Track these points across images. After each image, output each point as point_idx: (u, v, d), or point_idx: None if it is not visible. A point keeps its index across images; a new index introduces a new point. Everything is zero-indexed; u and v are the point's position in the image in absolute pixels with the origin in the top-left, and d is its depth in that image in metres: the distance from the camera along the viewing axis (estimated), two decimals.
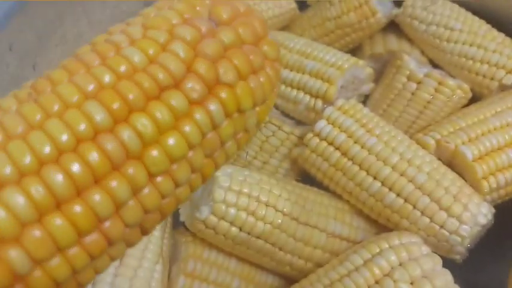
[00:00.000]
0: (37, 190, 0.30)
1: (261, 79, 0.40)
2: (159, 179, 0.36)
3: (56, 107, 0.33)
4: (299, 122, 0.85)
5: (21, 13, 0.62)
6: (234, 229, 0.64)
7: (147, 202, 0.35)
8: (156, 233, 0.65)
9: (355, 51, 0.97)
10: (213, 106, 0.37)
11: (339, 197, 0.75)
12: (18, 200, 0.30)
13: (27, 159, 0.31)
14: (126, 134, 0.33)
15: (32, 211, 0.30)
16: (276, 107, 0.87)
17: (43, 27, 0.67)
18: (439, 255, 0.62)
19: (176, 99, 0.35)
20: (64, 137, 0.32)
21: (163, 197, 0.37)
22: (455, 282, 0.60)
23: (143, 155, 0.34)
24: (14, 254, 0.30)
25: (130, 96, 0.34)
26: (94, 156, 0.32)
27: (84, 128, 0.32)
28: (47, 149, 0.31)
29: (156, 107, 0.35)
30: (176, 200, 0.39)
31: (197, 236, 0.67)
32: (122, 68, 0.35)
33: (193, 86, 0.36)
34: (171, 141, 0.35)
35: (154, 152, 0.35)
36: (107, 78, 0.34)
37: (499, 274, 0.70)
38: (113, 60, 0.35)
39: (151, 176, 0.35)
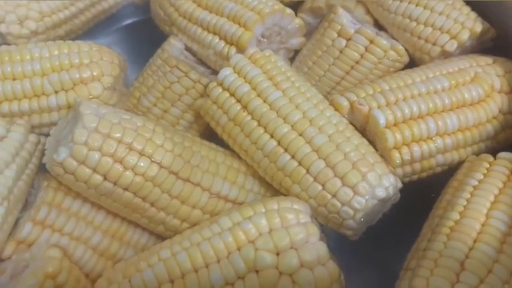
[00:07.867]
0: None
1: None
2: None
3: None
4: (215, 72, 0.76)
5: None
6: (97, 177, 0.56)
7: None
8: (8, 172, 0.57)
9: (298, 6, 0.87)
10: None
11: (239, 156, 0.66)
12: None
13: None
14: None
15: None
16: (194, 53, 0.78)
17: None
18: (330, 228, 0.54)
19: None
20: None
21: None
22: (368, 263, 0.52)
23: None
24: None
25: None
26: None
27: None
28: None
29: None
30: None
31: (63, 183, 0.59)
32: None
33: None
34: None
35: None
36: None
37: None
38: None
39: None
